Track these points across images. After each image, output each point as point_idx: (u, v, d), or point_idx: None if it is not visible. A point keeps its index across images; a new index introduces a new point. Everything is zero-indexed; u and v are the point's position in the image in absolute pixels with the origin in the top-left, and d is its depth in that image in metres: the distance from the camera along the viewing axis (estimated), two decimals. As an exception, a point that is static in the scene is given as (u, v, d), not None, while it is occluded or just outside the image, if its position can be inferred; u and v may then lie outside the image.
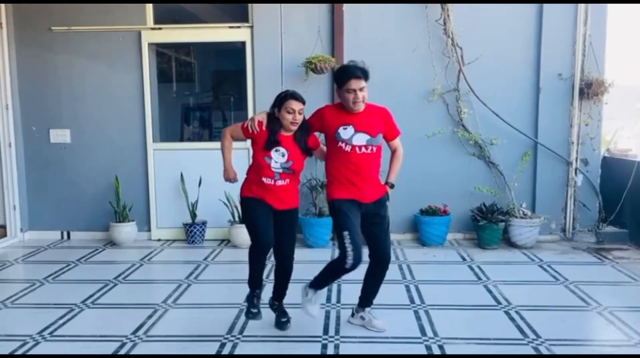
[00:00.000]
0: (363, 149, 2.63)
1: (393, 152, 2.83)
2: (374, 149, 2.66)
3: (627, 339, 2.72)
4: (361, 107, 2.62)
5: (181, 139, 5.66)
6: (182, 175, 4.79)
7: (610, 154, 4.90)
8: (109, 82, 4.86)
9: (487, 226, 4.44)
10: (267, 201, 2.69)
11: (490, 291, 3.43)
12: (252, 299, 2.79)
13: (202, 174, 4.71)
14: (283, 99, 2.66)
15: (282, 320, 2.85)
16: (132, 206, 4.81)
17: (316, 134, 2.82)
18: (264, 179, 2.67)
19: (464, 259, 4.21)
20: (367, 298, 2.87)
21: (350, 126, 2.62)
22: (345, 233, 2.58)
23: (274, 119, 2.69)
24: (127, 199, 4.78)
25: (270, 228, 2.69)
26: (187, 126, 5.84)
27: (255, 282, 2.79)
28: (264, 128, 2.67)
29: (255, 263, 2.75)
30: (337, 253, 4.53)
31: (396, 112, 4.66)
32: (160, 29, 4.81)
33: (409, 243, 4.70)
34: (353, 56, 4.64)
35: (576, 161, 4.69)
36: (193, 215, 4.75)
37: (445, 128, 4.67)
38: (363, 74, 2.58)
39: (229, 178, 2.83)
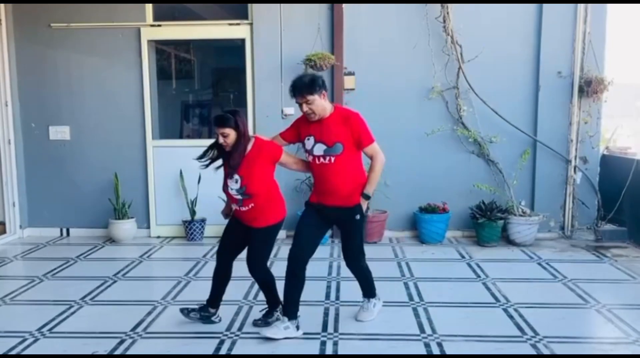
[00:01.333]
0: (321, 159, 2.66)
1: (370, 160, 2.71)
2: (332, 159, 2.63)
3: (625, 336, 2.73)
4: (313, 118, 2.64)
5: (180, 137, 5.65)
6: (181, 172, 4.79)
7: (609, 152, 4.91)
8: (108, 79, 4.85)
9: (486, 223, 4.44)
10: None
11: (489, 289, 3.44)
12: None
13: (202, 171, 4.70)
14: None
15: (259, 320, 2.91)
16: (131, 203, 4.81)
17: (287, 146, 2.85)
18: (232, 205, 2.77)
19: (462, 256, 4.22)
20: (362, 289, 2.98)
21: (312, 137, 2.68)
22: (296, 230, 2.78)
23: (218, 147, 2.71)
24: (126, 196, 4.78)
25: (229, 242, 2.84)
26: (186, 123, 5.83)
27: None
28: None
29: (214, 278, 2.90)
30: (335, 250, 4.57)
31: (396, 109, 4.76)
32: (159, 26, 4.80)
33: (408, 241, 4.71)
34: (353, 53, 4.68)
35: (575, 159, 4.69)
36: (192, 212, 4.75)
37: (444, 126, 4.67)
38: (303, 90, 2.57)
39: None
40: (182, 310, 2.92)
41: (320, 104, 2.62)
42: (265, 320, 2.89)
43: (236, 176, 2.66)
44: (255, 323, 2.90)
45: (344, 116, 2.68)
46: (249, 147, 2.68)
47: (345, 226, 2.79)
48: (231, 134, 2.62)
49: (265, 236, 2.77)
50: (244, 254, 2.84)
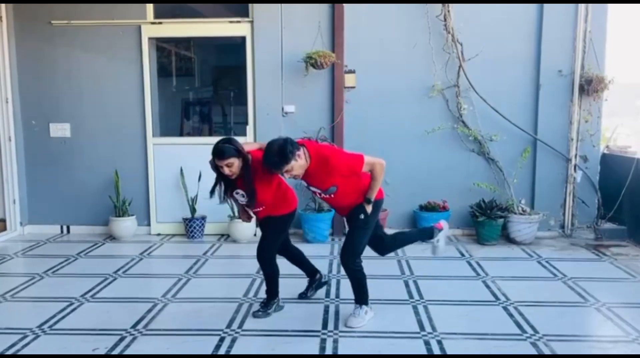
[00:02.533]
0: (322, 194, 2.81)
1: (370, 173, 2.76)
2: (332, 194, 2.76)
3: (625, 335, 2.74)
4: (296, 179, 2.72)
5: (181, 134, 5.65)
6: (181, 170, 4.79)
7: (609, 151, 4.91)
8: (108, 77, 4.85)
9: (486, 222, 4.44)
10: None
11: (488, 287, 3.45)
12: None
13: (202, 168, 4.68)
14: (212, 161, 2.71)
15: (255, 310, 3.00)
16: (131, 200, 4.81)
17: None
18: (246, 208, 2.94)
19: (462, 255, 4.23)
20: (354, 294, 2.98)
21: (304, 181, 2.78)
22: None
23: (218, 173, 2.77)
24: (126, 193, 4.79)
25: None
26: (187, 120, 5.83)
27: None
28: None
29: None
30: (336, 247, 4.58)
31: (396, 108, 4.76)
32: (160, 23, 4.79)
33: (408, 239, 4.71)
34: (353, 51, 4.67)
35: (575, 157, 4.69)
36: (193, 210, 4.76)
37: (445, 124, 4.67)
38: (275, 167, 2.58)
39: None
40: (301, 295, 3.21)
41: (299, 165, 2.61)
42: (266, 311, 2.95)
43: (241, 191, 2.77)
44: (255, 315, 2.95)
45: (322, 164, 2.64)
46: (252, 170, 2.73)
47: (349, 225, 2.93)
48: (235, 162, 2.66)
49: (279, 224, 2.91)
50: (251, 250, 2.91)
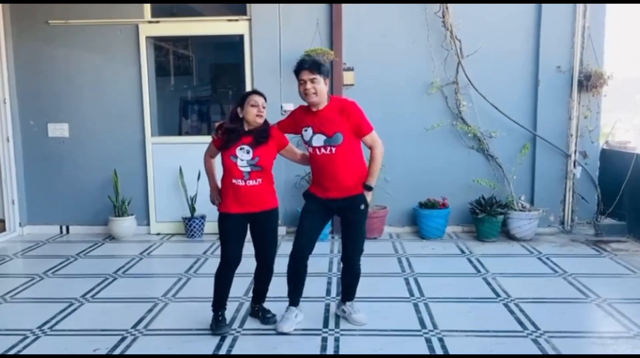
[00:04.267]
0: (322, 150, 2.62)
1: (370, 151, 2.68)
2: (333, 149, 2.59)
3: (626, 331, 2.74)
4: (313, 99, 2.58)
5: (180, 133, 5.64)
6: (180, 169, 4.78)
7: (608, 146, 4.90)
8: (106, 76, 4.83)
9: (486, 219, 4.44)
10: (242, 209, 2.68)
11: (489, 284, 3.45)
12: (217, 318, 2.78)
13: (201, 168, 4.67)
14: (246, 96, 2.72)
15: (267, 316, 2.88)
16: (131, 200, 4.80)
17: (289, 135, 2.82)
18: (234, 181, 2.65)
19: (463, 252, 4.23)
20: (345, 293, 2.90)
21: (310, 128, 2.63)
22: (299, 223, 2.75)
23: (236, 120, 2.70)
24: (126, 193, 4.78)
25: (240, 245, 2.75)
26: (185, 119, 5.81)
27: (220, 303, 2.79)
28: (223, 129, 2.71)
29: (222, 281, 2.77)
30: (335, 246, 4.56)
31: (395, 105, 4.74)
32: (157, 22, 4.77)
33: (408, 236, 4.71)
34: (352, 48, 4.66)
35: (575, 153, 4.69)
36: (192, 209, 4.75)
37: (444, 121, 4.66)
38: (315, 65, 2.58)
39: (213, 200, 2.84)
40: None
41: (323, 87, 2.59)
42: (265, 316, 2.89)
43: (247, 147, 2.63)
44: (271, 321, 2.86)
45: (340, 106, 2.64)
46: (268, 126, 2.73)
47: (348, 217, 2.72)
48: (265, 109, 2.70)
49: (276, 219, 2.80)
50: (250, 250, 2.82)
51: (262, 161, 2.66)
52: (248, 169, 2.65)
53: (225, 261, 2.74)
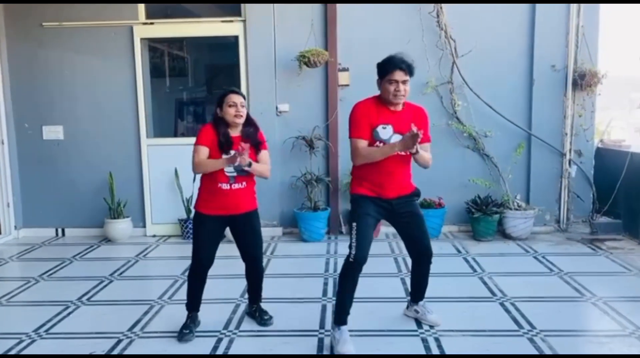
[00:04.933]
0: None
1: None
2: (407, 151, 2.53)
3: (622, 329, 2.75)
4: (401, 100, 2.54)
5: (175, 135, 5.62)
6: (176, 170, 4.78)
7: (603, 145, 4.92)
8: (101, 78, 4.82)
9: (482, 218, 4.46)
10: (221, 212, 2.65)
11: (485, 283, 3.46)
12: (187, 320, 2.76)
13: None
14: (223, 96, 2.66)
15: (265, 318, 2.86)
16: (126, 202, 4.79)
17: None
18: (220, 185, 2.62)
19: (459, 251, 4.23)
20: (415, 293, 2.88)
21: (390, 126, 2.55)
22: (354, 225, 2.56)
23: (219, 122, 2.65)
24: (121, 195, 4.76)
25: (214, 247, 2.72)
26: (181, 120, 5.80)
27: (192, 304, 2.79)
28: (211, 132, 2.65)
29: (194, 282, 2.75)
30: (332, 246, 4.56)
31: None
32: (152, 24, 4.76)
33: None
34: (346, 49, 4.66)
35: (570, 152, 4.71)
36: (188, 211, 4.74)
37: (439, 121, 4.67)
38: (407, 67, 2.50)
39: (239, 160, 2.54)
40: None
41: (408, 89, 2.54)
42: (262, 318, 2.86)
43: (233, 152, 2.59)
44: (269, 323, 2.84)
45: (416, 109, 2.66)
46: (257, 128, 2.74)
47: (409, 212, 2.66)
48: (244, 105, 2.67)
49: (258, 219, 2.79)
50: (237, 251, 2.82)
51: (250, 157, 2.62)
52: (234, 173, 2.64)
53: (196, 261, 2.71)
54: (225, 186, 2.64)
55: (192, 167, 2.66)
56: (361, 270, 2.58)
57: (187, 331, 2.72)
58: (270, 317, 2.87)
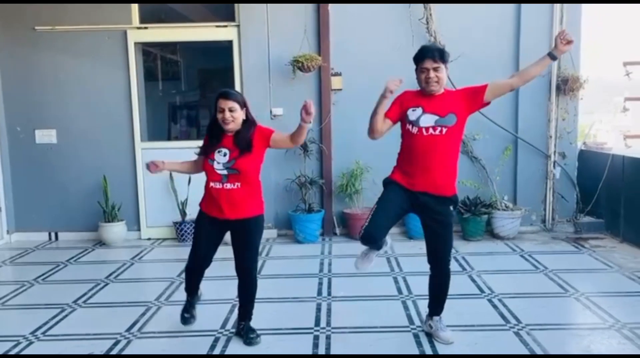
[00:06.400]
0: (431, 130, 2.46)
1: (512, 79, 2.77)
2: (443, 130, 2.46)
3: (602, 322, 2.87)
4: (435, 87, 2.50)
5: (169, 138, 5.66)
6: (171, 174, 4.80)
7: (586, 147, 5.09)
8: (95, 82, 4.84)
9: (471, 218, 4.57)
10: (217, 214, 2.59)
11: (474, 281, 3.56)
12: (186, 304, 2.88)
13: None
14: (215, 99, 2.55)
15: (250, 336, 2.67)
16: (121, 205, 4.81)
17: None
18: (211, 184, 2.58)
19: (449, 251, 4.34)
20: (431, 303, 2.74)
21: (420, 107, 2.53)
22: (375, 205, 2.57)
23: (212, 125, 2.62)
24: (115, 198, 4.78)
25: (211, 247, 2.69)
26: (174, 124, 5.84)
27: (189, 290, 2.87)
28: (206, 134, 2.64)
29: (190, 278, 2.82)
30: (326, 247, 4.64)
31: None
32: (146, 28, 4.80)
33: (397, 237, 4.80)
34: (339, 54, 4.75)
35: (554, 154, 4.86)
36: (183, 213, 4.78)
37: (429, 124, 4.78)
38: (439, 54, 2.50)
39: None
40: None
41: (445, 76, 2.51)
42: (248, 336, 2.68)
43: (224, 150, 2.53)
44: (255, 342, 2.67)
45: (455, 91, 2.66)
46: (252, 130, 2.59)
47: (434, 218, 2.54)
48: (237, 110, 2.52)
49: (260, 227, 2.65)
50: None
51: (237, 165, 2.51)
52: (224, 171, 2.53)
53: (192, 258, 2.71)
54: (217, 185, 2.56)
55: None
56: (370, 246, 2.58)
57: (188, 315, 2.85)
58: (257, 335, 2.69)
